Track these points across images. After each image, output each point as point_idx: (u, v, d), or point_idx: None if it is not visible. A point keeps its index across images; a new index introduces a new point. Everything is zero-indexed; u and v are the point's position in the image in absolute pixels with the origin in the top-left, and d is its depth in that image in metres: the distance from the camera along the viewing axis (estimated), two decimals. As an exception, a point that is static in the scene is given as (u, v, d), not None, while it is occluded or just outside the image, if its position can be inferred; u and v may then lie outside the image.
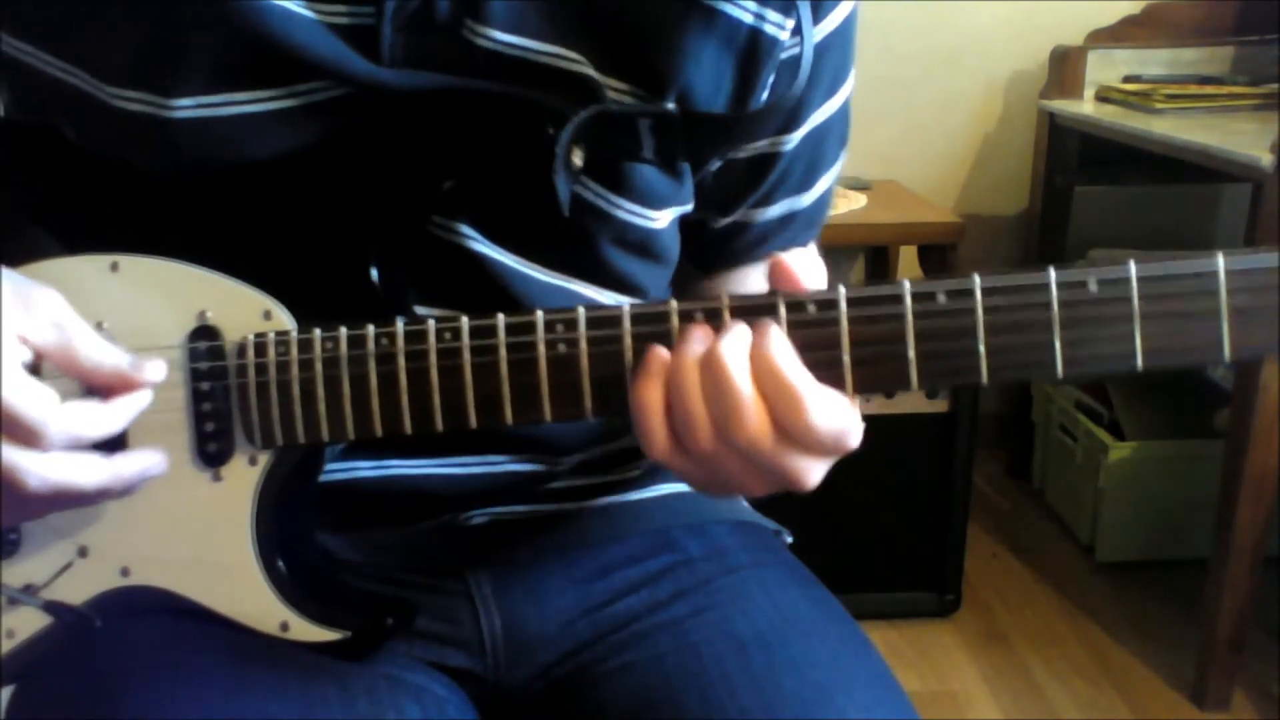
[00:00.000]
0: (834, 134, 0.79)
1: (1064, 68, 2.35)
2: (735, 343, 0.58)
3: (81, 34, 0.68)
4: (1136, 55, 2.36)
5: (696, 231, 0.80)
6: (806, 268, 0.60)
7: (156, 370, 0.65)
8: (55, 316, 0.63)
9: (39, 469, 0.61)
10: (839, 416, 0.59)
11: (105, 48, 0.68)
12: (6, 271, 0.64)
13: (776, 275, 0.60)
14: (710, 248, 0.82)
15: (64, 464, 0.62)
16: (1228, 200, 2.62)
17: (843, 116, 0.79)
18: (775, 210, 0.80)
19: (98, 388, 0.64)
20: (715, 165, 0.76)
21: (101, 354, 0.64)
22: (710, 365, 0.58)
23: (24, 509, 0.64)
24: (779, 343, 0.58)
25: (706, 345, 0.59)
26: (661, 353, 0.60)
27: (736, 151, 0.75)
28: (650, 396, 0.60)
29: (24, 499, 0.62)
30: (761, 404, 0.58)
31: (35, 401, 0.60)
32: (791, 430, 0.58)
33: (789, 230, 0.82)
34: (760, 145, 0.76)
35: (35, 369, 0.63)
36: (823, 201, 0.83)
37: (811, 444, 0.59)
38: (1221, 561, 1.77)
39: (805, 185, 0.80)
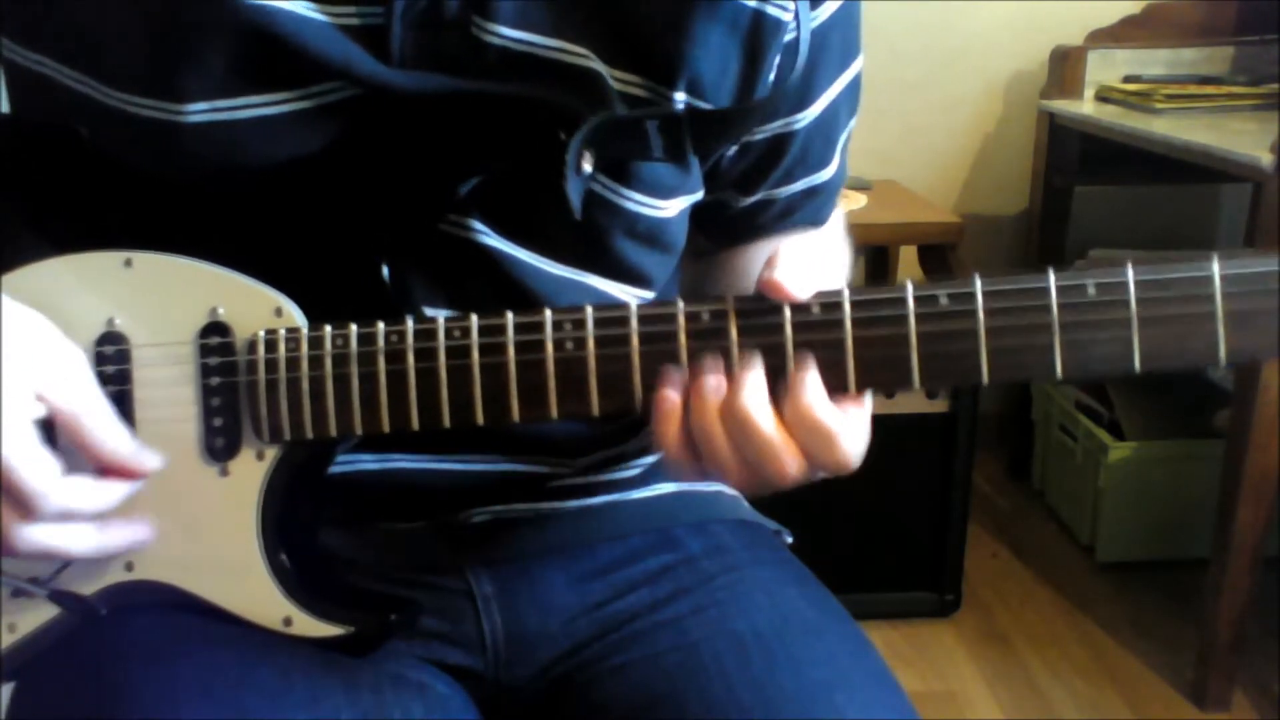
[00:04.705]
0: (845, 107, 0.80)
1: (1064, 68, 2.35)
2: (754, 392, 0.60)
3: (91, 42, 0.68)
4: (1136, 55, 2.36)
5: (718, 211, 0.81)
6: (807, 276, 0.61)
7: (154, 461, 0.66)
8: (77, 382, 0.64)
9: (30, 534, 0.63)
10: (863, 438, 0.62)
11: (116, 55, 0.68)
12: (39, 320, 0.65)
13: (773, 293, 0.61)
14: (734, 224, 0.83)
15: (55, 532, 0.63)
16: (1228, 200, 2.62)
17: (852, 90, 0.80)
18: (798, 185, 0.82)
19: (95, 464, 0.65)
20: (730, 151, 0.76)
21: (110, 434, 0.65)
22: (733, 417, 0.60)
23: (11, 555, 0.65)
24: (814, 388, 0.60)
25: (721, 384, 0.61)
26: (676, 372, 0.62)
27: (750, 135, 0.76)
28: (667, 403, 0.62)
29: (11, 551, 0.63)
30: (793, 445, 0.61)
31: (37, 471, 0.61)
32: (824, 464, 0.62)
33: (814, 201, 0.84)
34: (774, 126, 0.76)
35: (48, 425, 0.63)
36: (842, 169, 0.84)
37: (840, 470, 0.62)
38: (1221, 561, 1.77)
39: (824, 161, 0.82)
